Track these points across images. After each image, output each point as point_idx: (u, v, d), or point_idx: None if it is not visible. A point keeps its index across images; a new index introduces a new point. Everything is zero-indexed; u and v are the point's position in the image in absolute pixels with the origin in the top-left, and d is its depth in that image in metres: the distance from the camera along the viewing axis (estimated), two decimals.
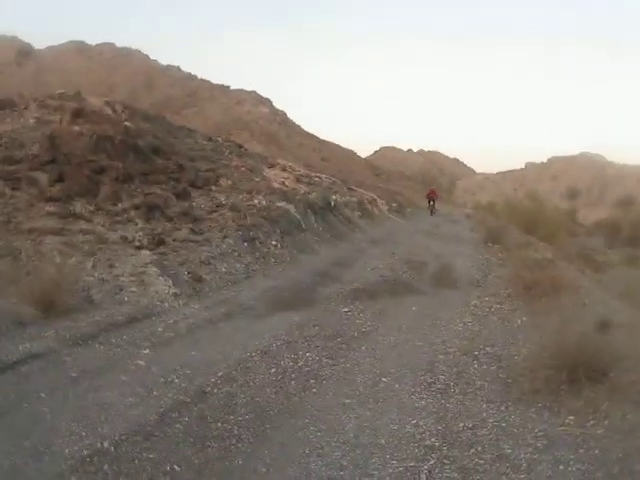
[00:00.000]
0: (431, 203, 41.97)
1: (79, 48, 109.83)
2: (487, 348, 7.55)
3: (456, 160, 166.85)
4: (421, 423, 5.24)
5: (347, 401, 5.68)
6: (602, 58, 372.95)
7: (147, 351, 6.81)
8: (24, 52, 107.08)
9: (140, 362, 6.41)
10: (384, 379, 6.34)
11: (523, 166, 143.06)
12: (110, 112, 19.89)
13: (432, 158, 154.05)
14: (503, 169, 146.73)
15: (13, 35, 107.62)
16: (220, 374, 6.17)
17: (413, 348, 7.56)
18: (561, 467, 4.49)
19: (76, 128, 15.31)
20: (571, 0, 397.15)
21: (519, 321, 8.98)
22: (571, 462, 4.54)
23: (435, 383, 6.27)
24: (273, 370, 6.42)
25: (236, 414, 5.24)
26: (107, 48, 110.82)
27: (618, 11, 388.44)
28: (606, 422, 5.08)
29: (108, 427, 4.82)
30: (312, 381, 6.19)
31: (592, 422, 5.11)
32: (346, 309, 9.44)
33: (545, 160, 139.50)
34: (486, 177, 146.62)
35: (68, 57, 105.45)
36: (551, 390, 5.67)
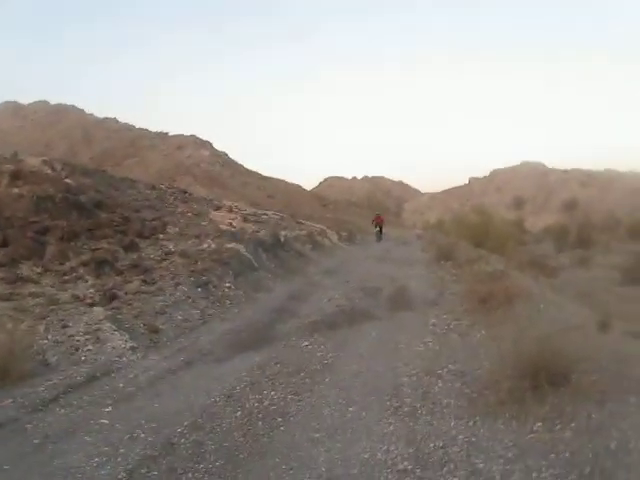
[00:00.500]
0: (378, 229, 40.77)
1: (13, 108, 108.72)
2: (449, 365, 7.60)
3: (401, 183, 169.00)
4: (392, 448, 5.24)
5: (316, 435, 5.66)
6: (535, 66, 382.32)
7: (110, 409, 6.68)
8: None
9: (103, 420, 6.29)
10: (351, 409, 6.33)
11: (467, 181, 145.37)
12: (49, 171, 19.60)
13: (377, 183, 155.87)
14: (448, 186, 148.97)
15: None
16: (186, 423, 6.08)
17: (376, 374, 7.58)
18: (534, 474, 4.52)
19: (16, 190, 15.11)
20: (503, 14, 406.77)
21: (478, 335, 9.06)
22: (543, 468, 4.58)
23: (402, 406, 6.28)
24: (239, 413, 6.36)
25: (206, 462, 5.17)
26: (41, 106, 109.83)
27: (552, 21, 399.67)
28: (573, 424, 5.14)
29: None
30: (279, 419, 6.15)
31: (559, 426, 5.17)
32: (306, 343, 9.41)
33: (488, 173, 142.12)
34: (432, 196, 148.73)
35: (2, 118, 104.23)
36: (516, 399, 5.72)
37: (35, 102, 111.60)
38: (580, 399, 5.51)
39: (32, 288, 11.08)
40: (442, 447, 5.18)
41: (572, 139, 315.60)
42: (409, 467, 4.88)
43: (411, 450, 5.18)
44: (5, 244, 12.72)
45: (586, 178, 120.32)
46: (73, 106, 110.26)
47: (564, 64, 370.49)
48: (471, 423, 5.62)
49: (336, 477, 4.80)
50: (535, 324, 7.21)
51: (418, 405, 6.28)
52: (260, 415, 6.28)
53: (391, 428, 5.72)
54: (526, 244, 47.92)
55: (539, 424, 5.28)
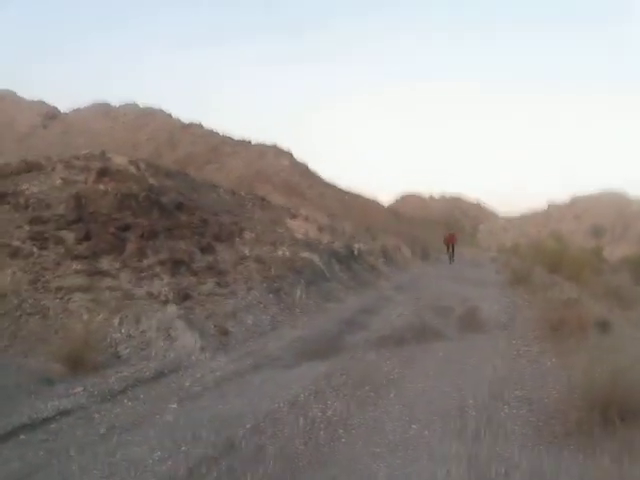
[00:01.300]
0: (450, 249, 38.10)
1: (103, 110, 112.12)
2: (517, 391, 7.48)
3: (478, 204, 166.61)
4: (453, 470, 5.17)
5: (377, 450, 5.63)
6: (623, 95, 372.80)
7: (175, 405, 6.81)
8: (50, 115, 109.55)
9: (168, 417, 6.41)
10: (414, 426, 6.27)
11: (545, 207, 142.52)
12: (134, 170, 20.10)
13: (454, 203, 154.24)
14: (525, 211, 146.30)
15: (40, 99, 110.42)
16: (248, 426, 6.13)
17: (442, 394, 7.49)
18: None
19: (101, 187, 15.54)
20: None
21: (548, 363, 8.89)
22: None
23: (465, 429, 6.19)
24: (302, 421, 6.37)
25: (265, 466, 5.19)
26: (130, 108, 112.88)
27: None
28: None
29: None
30: (341, 430, 6.14)
31: (628, 463, 5.04)
32: (373, 357, 9.37)
33: (567, 200, 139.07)
34: (509, 220, 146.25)
35: (93, 119, 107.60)
36: (584, 432, 5.60)
37: (125, 104, 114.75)
38: None
39: (109, 282, 11.36)
40: (504, 473, 5.08)
41: None
42: None
43: (472, 473, 5.10)
44: (88, 238, 13.09)
45: None
46: (160, 110, 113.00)
47: None
48: (535, 451, 5.51)
49: None
50: (608, 356, 7.02)
51: (482, 429, 6.18)
52: (322, 425, 6.28)
53: (453, 449, 5.64)
54: (603, 274, 46.66)
55: (607, 459, 5.15)
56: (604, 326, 10.74)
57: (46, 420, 6.13)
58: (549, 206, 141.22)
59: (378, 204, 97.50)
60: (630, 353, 8.02)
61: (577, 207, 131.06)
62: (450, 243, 38.59)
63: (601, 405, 5.59)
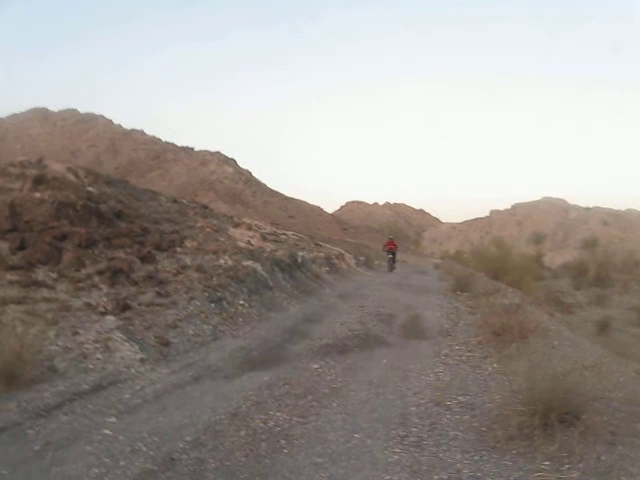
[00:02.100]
0: (390, 256, 34.77)
1: (42, 115, 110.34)
2: (459, 397, 7.53)
3: (422, 211, 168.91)
4: (395, 478, 5.15)
5: (319, 460, 5.58)
6: (563, 101, 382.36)
7: (113, 419, 6.64)
8: None
9: (106, 431, 6.25)
10: (356, 435, 6.25)
11: (488, 214, 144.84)
12: (72, 178, 19.73)
13: (398, 210, 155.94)
14: (469, 218, 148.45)
15: None
16: (189, 439, 6.03)
17: (385, 402, 7.49)
18: None
19: (37, 195, 15.19)
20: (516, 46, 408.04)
21: (490, 368, 8.98)
22: None
23: (408, 436, 6.20)
24: (243, 432, 6.29)
25: None
26: (70, 114, 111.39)
27: (580, 54, 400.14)
28: (581, 465, 5.07)
29: None
30: (283, 441, 6.07)
31: (568, 466, 5.10)
32: (316, 365, 9.33)
33: (509, 207, 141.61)
34: (452, 226, 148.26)
35: (31, 124, 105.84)
36: (525, 436, 5.65)
37: (64, 110, 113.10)
38: (590, 439, 5.43)
39: (46, 293, 11.10)
40: None
41: (595, 177, 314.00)
42: None
43: None
44: (23, 247, 12.79)
45: (607, 217, 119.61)
46: (102, 116, 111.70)
47: (594, 99, 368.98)
48: (477, 457, 5.53)
49: None
50: (548, 361, 7.11)
51: (425, 436, 6.20)
52: (264, 436, 6.21)
53: (396, 457, 5.64)
54: (544, 279, 47.68)
55: (547, 462, 5.21)
56: (544, 331, 10.90)
57: None
58: (491, 213, 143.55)
59: (322, 212, 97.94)
60: (570, 357, 8.14)
61: (519, 214, 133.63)
62: (390, 250, 35.14)
63: (542, 409, 5.64)
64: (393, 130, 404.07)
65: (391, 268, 34.40)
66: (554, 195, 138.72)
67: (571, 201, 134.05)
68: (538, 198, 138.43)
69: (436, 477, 5.16)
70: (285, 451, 5.84)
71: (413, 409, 7.16)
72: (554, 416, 5.56)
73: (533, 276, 34.32)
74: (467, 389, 7.92)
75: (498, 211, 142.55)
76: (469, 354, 10.16)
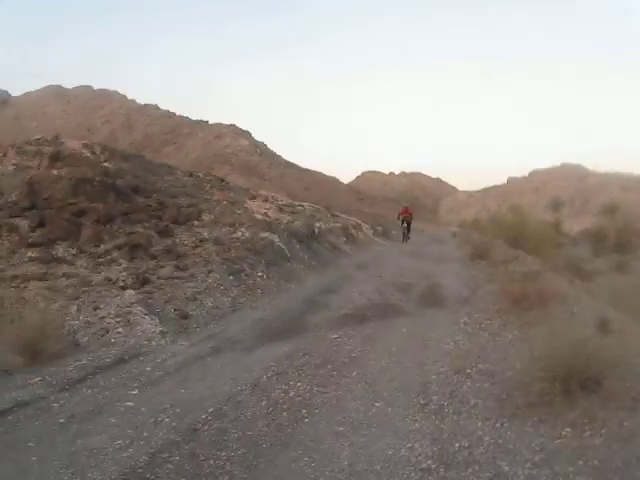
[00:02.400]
0: (405, 225, 32.60)
1: (57, 93, 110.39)
2: (479, 365, 7.50)
3: (438, 180, 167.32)
4: (416, 446, 5.17)
5: (340, 429, 5.61)
6: (578, 73, 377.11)
7: (136, 392, 6.71)
8: (1, 100, 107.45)
9: (129, 403, 6.31)
10: (377, 404, 6.27)
11: (505, 181, 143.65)
12: (89, 154, 19.81)
13: (414, 179, 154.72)
14: (486, 185, 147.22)
15: None
16: (210, 410, 6.07)
17: (404, 370, 7.50)
18: None
19: (55, 172, 15.28)
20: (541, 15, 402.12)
21: (510, 335, 8.93)
22: (570, 475, 4.49)
23: (428, 404, 6.20)
24: (264, 402, 6.33)
25: (228, 450, 5.15)
26: (84, 91, 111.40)
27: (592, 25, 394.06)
28: (603, 431, 5.04)
29: (98, 472, 4.72)
30: (304, 411, 6.11)
31: (589, 432, 5.07)
32: (335, 335, 9.34)
33: (527, 174, 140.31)
34: (469, 195, 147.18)
35: (46, 102, 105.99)
36: (546, 403, 5.62)
37: (78, 86, 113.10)
38: (612, 405, 5.39)
39: (66, 269, 11.19)
40: (467, 447, 5.10)
41: (614, 142, 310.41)
42: (433, 466, 4.81)
43: (436, 449, 5.11)
44: (42, 224, 12.88)
45: (626, 182, 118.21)
46: (116, 91, 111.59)
47: (608, 66, 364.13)
48: (498, 424, 5.53)
49: (358, 472, 4.75)
50: (569, 327, 7.07)
51: (445, 403, 6.20)
52: (285, 406, 6.25)
53: (417, 425, 5.65)
54: (563, 247, 47.29)
55: (568, 429, 5.18)
56: (564, 298, 10.83)
57: (3, 412, 5.98)
58: (509, 180, 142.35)
59: (339, 182, 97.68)
60: (590, 324, 8.09)
61: (537, 180, 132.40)
62: (405, 218, 32.66)
63: (562, 376, 5.61)
64: (410, 100, 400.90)
65: (406, 237, 32.44)
66: (572, 161, 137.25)
67: (590, 167, 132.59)
68: (556, 164, 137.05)
69: (457, 444, 5.17)
70: (306, 420, 5.88)
71: (433, 377, 7.16)
72: (575, 382, 5.53)
73: (552, 243, 33.90)
74: (487, 357, 7.89)
75: (516, 178, 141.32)
76: (488, 322, 10.11)
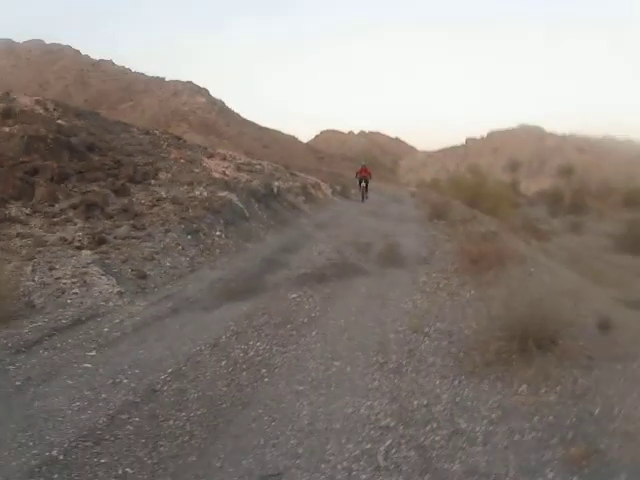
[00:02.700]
0: (363, 184, 32.53)
1: (7, 47, 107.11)
2: (437, 324, 7.61)
3: (397, 139, 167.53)
4: (375, 404, 5.23)
5: (300, 388, 5.64)
6: (539, 35, 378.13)
7: (94, 353, 6.63)
8: None
9: (87, 365, 6.24)
10: (336, 363, 6.31)
11: (464, 142, 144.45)
12: (42, 111, 19.28)
13: (373, 139, 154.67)
14: (445, 146, 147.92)
15: None
16: (170, 371, 6.05)
17: (364, 329, 7.56)
18: (516, 437, 4.54)
19: (6, 129, 14.88)
20: None
21: (467, 295, 9.06)
22: (526, 431, 4.60)
23: (387, 363, 6.28)
24: (223, 362, 6.33)
25: (188, 410, 5.15)
26: (36, 45, 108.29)
27: None
28: (558, 388, 5.17)
29: (56, 434, 4.68)
30: (264, 370, 6.13)
31: (544, 390, 5.19)
32: (295, 295, 9.36)
33: (485, 134, 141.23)
34: (428, 155, 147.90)
35: None
36: (503, 361, 5.73)
37: (30, 40, 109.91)
38: (567, 364, 5.53)
39: (20, 229, 10.95)
40: (426, 405, 5.18)
41: (572, 103, 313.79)
42: (392, 424, 4.88)
43: (395, 407, 5.18)
44: None
45: (583, 144, 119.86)
46: (69, 46, 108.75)
47: (566, 25, 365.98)
48: (456, 382, 5.63)
49: (318, 431, 4.79)
50: (525, 287, 7.17)
51: (404, 362, 6.29)
52: (245, 366, 6.26)
53: (375, 384, 5.72)
54: (520, 207, 47.98)
55: (524, 386, 5.30)
56: (521, 258, 10.99)
57: None
58: (467, 141, 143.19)
59: (297, 141, 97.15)
60: (546, 283, 8.23)
61: (495, 141, 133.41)
62: (363, 177, 32.66)
63: (519, 335, 5.71)
64: (368, 58, 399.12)
65: (364, 197, 32.28)
66: (530, 122, 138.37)
67: (547, 128, 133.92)
68: (514, 125, 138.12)
69: (416, 402, 5.25)
70: (266, 380, 5.90)
71: (392, 336, 7.24)
72: (531, 341, 5.63)
73: (509, 204, 34.41)
74: (445, 316, 8.00)
75: (474, 139, 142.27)
76: (446, 281, 10.23)
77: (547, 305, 5.93)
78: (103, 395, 5.44)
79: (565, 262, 13.86)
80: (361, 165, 34.06)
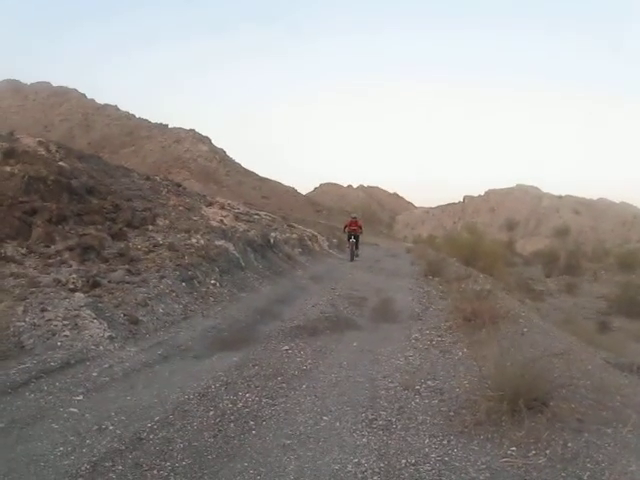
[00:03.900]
0: (352, 240, 27.06)
1: (14, 87, 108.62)
2: (429, 382, 7.55)
3: (396, 195, 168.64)
4: (363, 461, 5.17)
5: (287, 442, 5.58)
6: (536, 95, 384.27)
7: (81, 397, 6.58)
8: None
9: (73, 409, 6.18)
10: (325, 417, 6.25)
11: (462, 199, 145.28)
12: (44, 152, 19.42)
13: (372, 193, 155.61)
14: (442, 203, 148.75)
15: None
16: (157, 419, 5.99)
17: (354, 385, 7.50)
18: None
19: (7, 169, 14.96)
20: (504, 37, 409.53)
21: (460, 353, 9.02)
22: None
23: (377, 420, 6.21)
24: (211, 413, 6.27)
25: (173, 460, 5.08)
26: (43, 87, 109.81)
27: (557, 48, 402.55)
28: (548, 451, 5.11)
29: None
30: (252, 422, 6.06)
31: (534, 452, 5.14)
32: (286, 347, 9.33)
33: (483, 193, 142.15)
34: (426, 211, 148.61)
35: (2, 96, 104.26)
36: (493, 421, 5.69)
37: (37, 82, 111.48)
38: (557, 426, 5.48)
39: (14, 268, 10.96)
40: (414, 464, 5.12)
41: (568, 165, 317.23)
42: None
43: (382, 465, 5.11)
44: None
45: (579, 206, 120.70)
46: (75, 89, 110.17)
47: (568, 95, 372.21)
48: (445, 442, 5.57)
49: None
50: (518, 347, 7.15)
51: (393, 419, 6.23)
52: (233, 417, 6.20)
53: (364, 440, 5.65)
54: (515, 266, 48.12)
55: (514, 448, 5.25)
56: (514, 318, 10.97)
57: None
58: (465, 198, 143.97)
59: (296, 193, 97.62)
60: (539, 344, 8.21)
61: (492, 200, 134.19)
62: (352, 232, 27.22)
63: (510, 395, 5.68)
64: (369, 113, 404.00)
65: (353, 255, 27.01)
66: (528, 183, 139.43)
67: (544, 189, 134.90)
68: (512, 185, 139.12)
69: (404, 461, 5.19)
70: (253, 432, 5.83)
71: (382, 392, 7.18)
72: (522, 402, 5.59)
73: (505, 263, 34.54)
74: (436, 374, 7.95)
75: (472, 197, 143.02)
76: (439, 339, 10.20)
77: (539, 366, 5.92)
78: (88, 441, 5.38)
79: (558, 322, 13.83)
80: (351, 217, 28.45)
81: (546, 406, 5.74)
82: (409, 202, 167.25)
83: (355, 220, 27.47)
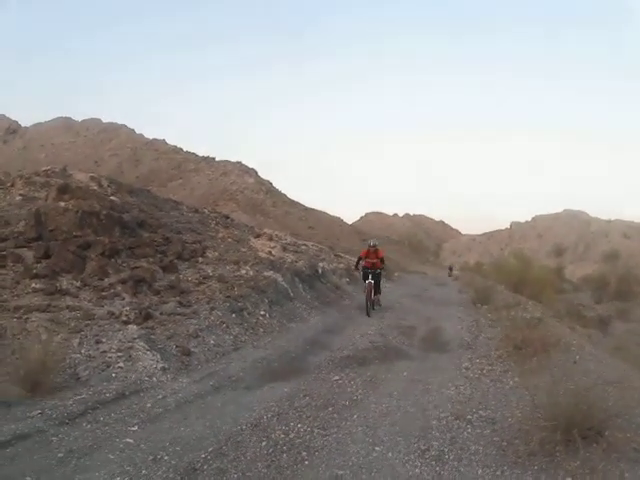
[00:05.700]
0: (369, 281, 17.52)
1: (66, 124, 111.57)
2: (480, 411, 7.48)
3: (442, 223, 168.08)
4: None
5: (340, 472, 5.59)
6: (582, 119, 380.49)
7: (135, 428, 6.68)
8: (11, 130, 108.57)
9: (128, 440, 6.29)
10: (377, 448, 6.24)
11: (508, 226, 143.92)
12: (96, 187, 19.95)
13: (418, 221, 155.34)
14: (489, 230, 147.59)
15: (0, 113, 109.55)
16: (210, 449, 6.05)
17: (405, 415, 7.47)
18: None
19: (62, 204, 15.36)
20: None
21: (511, 382, 8.91)
22: None
23: (429, 450, 6.18)
24: (264, 443, 6.31)
25: None
26: (93, 123, 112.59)
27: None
28: None
29: None
30: (304, 453, 6.09)
31: None
32: (337, 377, 9.33)
33: (530, 219, 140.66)
34: (472, 238, 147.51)
35: (55, 133, 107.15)
36: (547, 452, 5.61)
37: (87, 119, 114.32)
38: (613, 456, 5.38)
39: (69, 301, 11.20)
40: None
41: (616, 189, 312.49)
42: None
43: None
44: (47, 256, 12.93)
45: (629, 229, 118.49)
46: (124, 125, 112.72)
47: (615, 112, 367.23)
48: (499, 472, 5.51)
49: None
50: (570, 375, 7.06)
51: (446, 450, 6.18)
52: (285, 447, 6.23)
53: (417, 471, 5.63)
54: (565, 292, 47.36)
55: (569, 479, 5.16)
56: (565, 346, 10.83)
57: (2, 444, 5.94)
58: (512, 225, 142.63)
59: (342, 222, 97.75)
60: (591, 372, 8.08)
61: (539, 226, 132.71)
62: (367, 267, 18.07)
63: (564, 425, 5.60)
64: (415, 142, 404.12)
65: (371, 305, 17.69)
66: (575, 207, 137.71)
67: (592, 213, 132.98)
68: (559, 210, 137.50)
69: None
70: (306, 463, 5.85)
71: (434, 422, 7.13)
72: (576, 432, 5.52)
73: (554, 289, 33.99)
74: (488, 403, 7.87)
75: (519, 223, 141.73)
76: (490, 367, 10.09)
77: (592, 395, 5.84)
78: (144, 471, 5.47)
79: (611, 350, 13.57)
80: (368, 246, 18.64)
81: (601, 436, 5.65)
82: (455, 230, 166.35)
83: (375, 249, 18.33)
